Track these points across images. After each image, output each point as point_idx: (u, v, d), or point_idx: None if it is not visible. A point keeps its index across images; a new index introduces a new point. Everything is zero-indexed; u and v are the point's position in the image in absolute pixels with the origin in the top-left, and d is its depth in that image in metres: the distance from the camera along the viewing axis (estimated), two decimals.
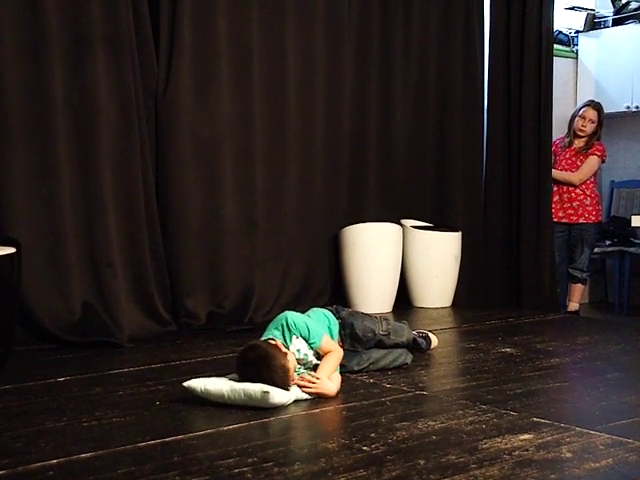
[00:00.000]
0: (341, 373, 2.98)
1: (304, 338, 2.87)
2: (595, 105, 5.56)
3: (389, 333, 3.29)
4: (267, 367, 2.63)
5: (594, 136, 5.52)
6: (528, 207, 5.31)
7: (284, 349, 2.75)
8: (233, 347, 3.62)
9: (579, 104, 5.71)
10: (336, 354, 2.92)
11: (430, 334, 3.63)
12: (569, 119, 5.62)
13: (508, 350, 3.69)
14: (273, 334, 2.84)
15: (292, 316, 2.89)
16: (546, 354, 3.62)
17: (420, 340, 3.50)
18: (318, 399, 2.76)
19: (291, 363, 2.70)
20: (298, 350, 2.85)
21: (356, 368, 3.16)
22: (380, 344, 3.27)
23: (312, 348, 2.88)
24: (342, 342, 3.17)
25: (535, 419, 2.52)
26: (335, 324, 3.16)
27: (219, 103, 4.36)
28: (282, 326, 2.85)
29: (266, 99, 4.56)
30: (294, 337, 2.84)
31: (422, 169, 5.32)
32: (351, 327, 3.19)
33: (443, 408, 2.68)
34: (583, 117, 5.51)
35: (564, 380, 3.17)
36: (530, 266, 5.29)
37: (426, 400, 2.82)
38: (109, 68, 3.93)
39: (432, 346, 3.61)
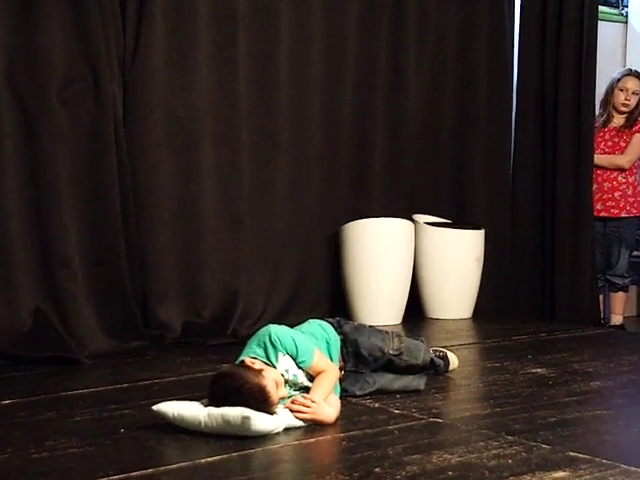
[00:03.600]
0: (341, 398, 2.97)
1: (291, 356, 2.85)
2: (636, 73, 5.56)
3: (401, 353, 3.27)
4: (240, 395, 2.62)
5: (637, 110, 5.54)
6: (565, 200, 5.30)
7: (260, 365, 2.75)
8: (213, 364, 3.61)
9: (614, 74, 5.69)
10: (330, 374, 2.91)
11: (449, 353, 3.62)
12: (604, 94, 5.60)
13: (539, 371, 3.68)
14: (255, 352, 2.83)
15: (276, 330, 2.87)
16: (585, 376, 3.61)
17: (438, 361, 3.48)
18: (313, 426, 2.74)
19: (270, 380, 2.68)
20: (287, 370, 2.83)
21: (359, 393, 3.15)
22: (390, 365, 3.25)
23: (301, 368, 2.87)
24: (344, 362, 3.16)
25: (571, 454, 2.51)
26: (335, 340, 3.14)
27: (198, 76, 4.35)
28: (265, 343, 2.84)
29: (254, 72, 4.55)
30: (280, 355, 2.83)
31: (438, 155, 5.32)
32: (355, 345, 3.18)
33: (462, 439, 2.67)
34: (625, 89, 5.51)
35: (606, 408, 3.16)
36: (566, 271, 5.29)
37: (441, 429, 2.81)
38: (70, 28, 3.91)
39: (451, 368, 3.59)
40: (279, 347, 2.83)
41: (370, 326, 3.37)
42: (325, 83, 4.86)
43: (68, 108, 3.93)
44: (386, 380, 3.23)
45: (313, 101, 4.82)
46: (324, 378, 2.87)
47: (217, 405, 2.64)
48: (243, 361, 2.78)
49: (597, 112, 5.61)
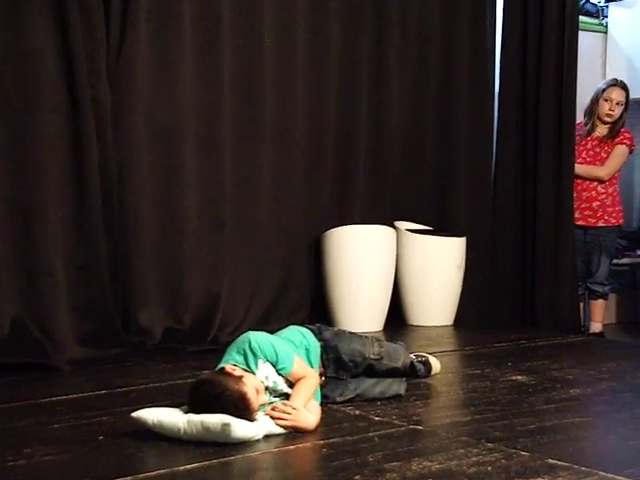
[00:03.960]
0: (321, 405, 2.98)
1: (271, 363, 2.86)
2: (621, 84, 5.56)
3: (382, 357, 3.29)
4: (220, 402, 2.62)
5: (620, 121, 5.55)
6: (546, 208, 5.33)
7: (240, 372, 2.75)
8: (194, 371, 3.60)
9: (600, 85, 5.71)
10: (310, 380, 2.92)
11: (431, 358, 3.64)
12: (589, 103, 5.62)
13: (519, 378, 3.70)
14: (234, 359, 2.84)
15: (256, 337, 2.88)
16: (564, 383, 3.63)
17: (419, 365, 3.50)
18: (293, 434, 2.75)
19: (250, 387, 2.69)
20: (266, 377, 2.84)
21: (339, 399, 3.16)
22: (370, 370, 3.27)
23: (281, 375, 2.88)
24: (324, 368, 3.17)
25: (551, 461, 2.53)
26: (315, 346, 3.16)
27: (181, 78, 4.35)
28: (244, 350, 2.84)
29: (238, 74, 4.55)
30: (260, 362, 2.84)
31: (420, 162, 5.33)
32: (335, 351, 3.19)
33: (442, 446, 2.68)
34: (609, 99, 5.52)
35: (585, 415, 3.19)
36: (547, 279, 5.31)
37: (422, 436, 2.82)
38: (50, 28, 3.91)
39: (433, 372, 3.62)
40: (259, 354, 2.84)
41: (350, 332, 3.38)
42: (308, 89, 4.87)
43: (53, 113, 3.93)
44: (367, 385, 3.25)
45: (297, 105, 4.82)
46: (304, 384, 2.88)
47: (197, 412, 2.64)
48: (223, 368, 2.78)
49: (582, 121, 5.63)
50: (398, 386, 3.32)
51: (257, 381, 2.77)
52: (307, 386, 2.89)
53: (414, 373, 3.47)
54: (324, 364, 3.17)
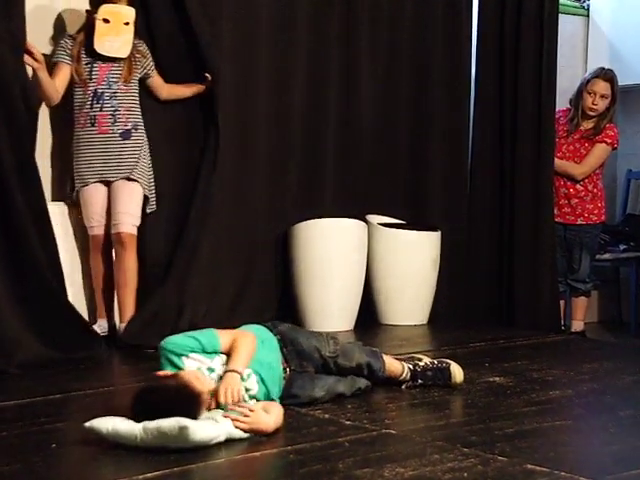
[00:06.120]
0: (289, 405, 3.00)
1: (200, 351, 2.95)
2: (606, 75, 5.48)
3: (337, 355, 3.32)
4: (169, 401, 2.65)
5: (607, 115, 5.50)
6: (524, 201, 5.35)
7: (171, 373, 2.85)
8: (150, 373, 3.57)
9: (586, 75, 5.70)
10: (242, 339, 3.00)
11: (454, 365, 3.53)
12: (574, 95, 5.60)
13: (497, 380, 3.71)
14: (163, 370, 2.94)
15: (167, 341, 3.00)
16: (544, 385, 3.65)
17: (376, 365, 3.42)
18: (258, 439, 2.74)
19: (188, 376, 2.78)
20: (198, 368, 2.91)
21: (316, 395, 3.17)
22: (325, 368, 3.29)
23: (215, 354, 2.95)
24: (287, 362, 3.20)
25: (529, 466, 2.54)
26: (270, 339, 3.19)
27: None
28: (167, 357, 2.96)
29: None
30: (184, 358, 2.93)
31: (393, 153, 5.34)
32: (295, 343, 3.24)
33: (415, 451, 2.68)
34: (592, 92, 5.45)
35: (566, 418, 3.20)
36: (526, 275, 5.34)
37: (394, 441, 2.82)
38: None
39: (453, 381, 3.51)
40: (180, 351, 2.94)
41: (305, 329, 3.45)
42: (274, 79, 4.87)
43: None
44: (332, 380, 3.28)
45: (261, 97, 4.82)
46: (237, 347, 2.97)
47: (147, 419, 2.63)
48: (154, 375, 2.88)
49: (564, 108, 5.59)
50: (363, 382, 3.36)
51: (192, 372, 2.86)
52: (241, 345, 2.98)
53: (372, 374, 3.41)
54: (286, 358, 3.21)
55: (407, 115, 5.36)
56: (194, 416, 2.65)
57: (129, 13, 4.22)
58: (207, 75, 4.49)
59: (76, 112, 4.32)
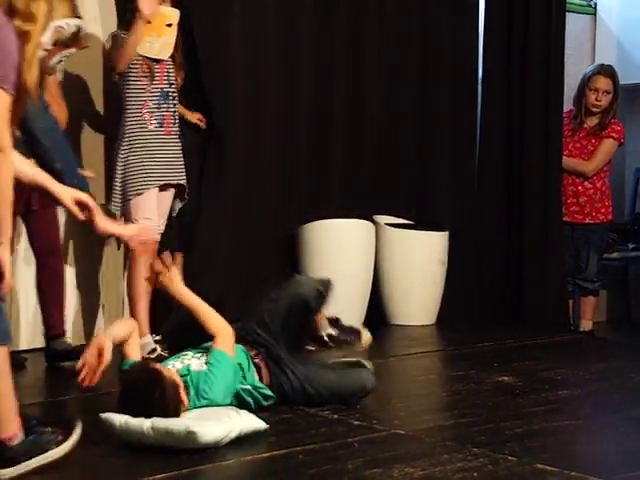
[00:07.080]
0: (277, 403, 3.05)
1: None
2: (607, 71, 5.43)
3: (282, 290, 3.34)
4: (143, 392, 2.72)
5: (610, 110, 5.48)
6: (533, 201, 5.35)
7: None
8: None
9: (586, 71, 5.66)
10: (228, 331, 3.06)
11: (366, 330, 3.52)
12: (576, 93, 5.55)
13: (506, 379, 3.72)
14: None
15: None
16: (553, 385, 3.65)
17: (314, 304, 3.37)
18: (269, 439, 2.75)
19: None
20: (173, 365, 2.96)
21: (294, 386, 3.13)
22: (272, 311, 3.26)
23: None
24: (256, 350, 3.15)
25: (539, 466, 2.54)
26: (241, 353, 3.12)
27: None
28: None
29: None
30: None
31: (400, 153, 5.34)
32: (253, 323, 3.22)
33: (424, 451, 2.69)
34: (595, 89, 5.40)
35: (575, 418, 3.20)
36: (535, 275, 5.34)
37: (403, 441, 2.83)
38: None
39: (361, 343, 3.48)
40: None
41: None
42: (279, 75, 4.87)
43: None
44: (315, 369, 3.22)
45: (268, 98, 4.82)
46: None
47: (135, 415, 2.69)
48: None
49: (571, 108, 5.60)
50: (366, 376, 3.26)
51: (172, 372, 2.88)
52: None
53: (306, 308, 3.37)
54: (252, 347, 3.16)
55: (415, 115, 5.36)
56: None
57: (172, 14, 4.09)
58: (199, 120, 4.48)
59: (134, 112, 4.08)
